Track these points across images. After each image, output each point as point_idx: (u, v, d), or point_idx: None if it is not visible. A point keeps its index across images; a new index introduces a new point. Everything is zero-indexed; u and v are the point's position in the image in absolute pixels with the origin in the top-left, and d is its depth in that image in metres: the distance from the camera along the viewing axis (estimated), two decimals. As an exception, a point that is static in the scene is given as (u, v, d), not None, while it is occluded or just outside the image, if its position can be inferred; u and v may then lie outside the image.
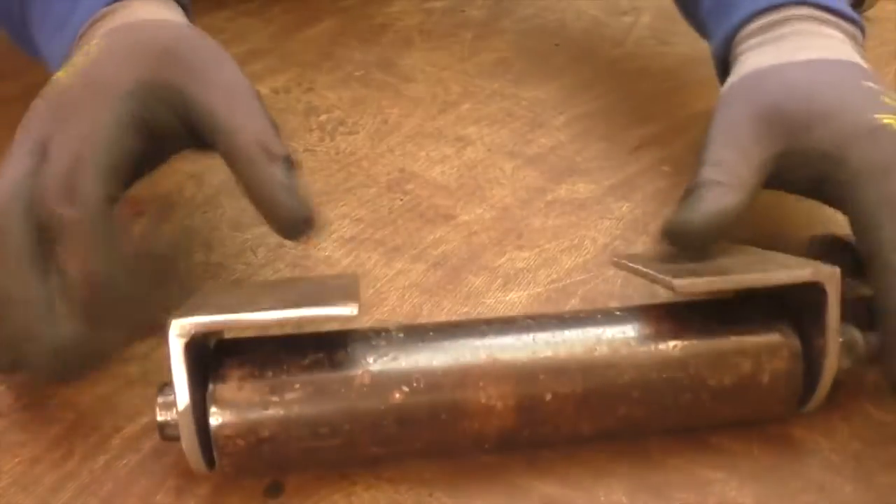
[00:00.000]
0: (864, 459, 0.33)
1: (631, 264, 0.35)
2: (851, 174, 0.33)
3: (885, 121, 0.33)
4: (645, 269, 0.33)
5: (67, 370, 0.32)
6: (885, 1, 0.79)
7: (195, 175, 0.49)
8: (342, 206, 0.48)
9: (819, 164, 0.34)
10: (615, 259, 0.38)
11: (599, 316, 0.33)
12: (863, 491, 0.32)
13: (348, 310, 0.27)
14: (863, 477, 0.33)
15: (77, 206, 0.30)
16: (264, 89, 0.58)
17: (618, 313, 0.33)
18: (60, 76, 0.34)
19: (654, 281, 0.32)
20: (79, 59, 0.34)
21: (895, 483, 0.32)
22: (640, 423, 0.32)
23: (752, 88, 0.38)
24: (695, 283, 0.30)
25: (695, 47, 0.64)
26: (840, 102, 0.35)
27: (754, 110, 0.36)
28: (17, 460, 0.33)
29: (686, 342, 0.31)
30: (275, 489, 0.32)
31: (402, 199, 0.48)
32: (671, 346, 0.31)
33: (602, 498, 0.32)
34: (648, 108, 0.57)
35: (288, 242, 0.44)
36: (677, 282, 0.29)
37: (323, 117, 0.56)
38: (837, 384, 0.32)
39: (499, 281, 0.42)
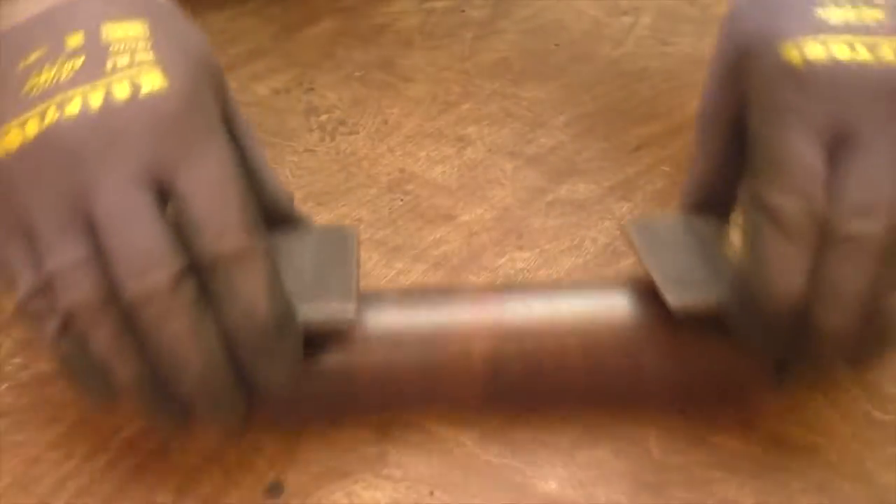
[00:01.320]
0: (864, 460, 0.33)
1: (637, 240, 0.34)
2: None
3: (787, 55, 0.29)
4: (646, 262, 0.32)
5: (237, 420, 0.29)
6: (885, 1, 0.79)
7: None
8: (342, 206, 0.48)
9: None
10: (625, 225, 0.36)
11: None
12: (863, 491, 0.32)
13: (346, 311, 0.29)
14: (863, 477, 0.33)
15: (249, 238, 0.26)
16: (264, 89, 0.58)
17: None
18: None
19: (655, 282, 0.31)
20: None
21: (895, 483, 0.32)
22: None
23: (728, 25, 0.34)
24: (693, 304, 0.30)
25: (695, 47, 0.64)
26: (776, 27, 0.30)
27: (722, 51, 0.33)
28: (16, 460, 0.33)
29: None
30: (275, 488, 0.32)
31: (402, 200, 0.48)
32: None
33: (602, 498, 0.32)
34: (649, 109, 0.57)
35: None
36: (673, 300, 0.30)
37: (323, 117, 0.56)
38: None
39: (499, 281, 0.42)
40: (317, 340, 0.30)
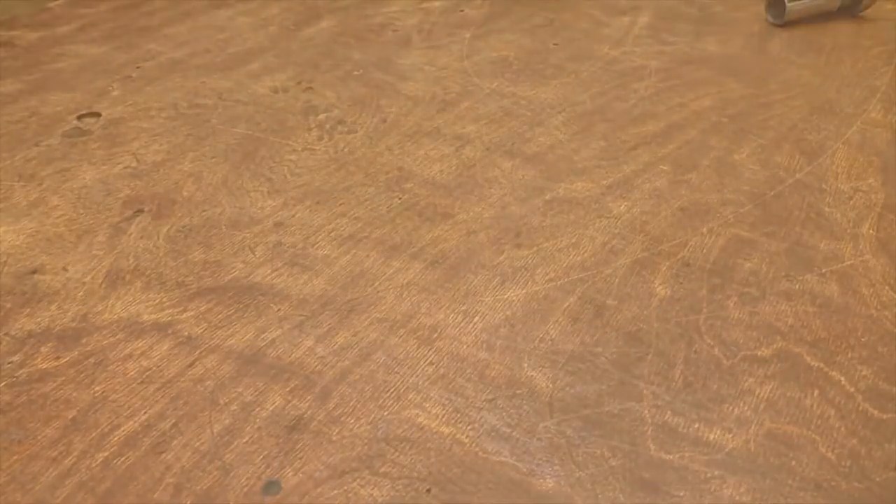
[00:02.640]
0: (860, 457, 0.33)
1: None
2: None
3: None
4: None
5: None
6: (884, 1, 0.79)
7: (194, 174, 0.49)
8: (340, 204, 0.48)
9: None
10: None
11: None
12: (859, 489, 0.32)
13: None
14: (859, 475, 0.33)
15: None
16: (263, 88, 0.58)
17: None
18: None
19: None
20: None
21: (892, 481, 0.32)
22: None
23: None
24: None
25: (694, 46, 0.64)
26: None
27: None
28: (15, 458, 0.33)
29: None
30: (272, 486, 0.32)
31: (400, 198, 0.48)
32: None
33: (599, 496, 0.32)
34: (647, 108, 0.57)
35: (286, 240, 0.44)
36: None
37: (322, 116, 0.56)
38: None
39: (497, 279, 0.42)
40: None
